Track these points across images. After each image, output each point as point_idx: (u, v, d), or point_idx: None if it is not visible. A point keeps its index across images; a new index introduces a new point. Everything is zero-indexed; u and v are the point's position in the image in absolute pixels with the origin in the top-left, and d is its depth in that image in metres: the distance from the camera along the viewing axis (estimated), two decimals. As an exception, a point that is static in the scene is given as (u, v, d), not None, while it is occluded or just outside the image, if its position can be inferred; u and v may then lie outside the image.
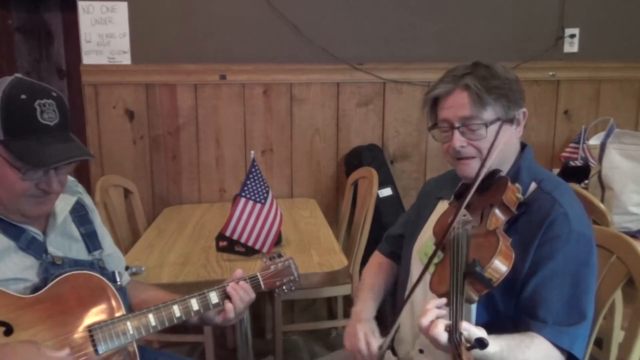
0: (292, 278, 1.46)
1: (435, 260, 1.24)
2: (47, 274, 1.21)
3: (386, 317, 1.50)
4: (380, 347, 1.30)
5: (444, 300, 1.04)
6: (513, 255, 1.09)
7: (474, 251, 1.11)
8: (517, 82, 1.27)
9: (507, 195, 1.16)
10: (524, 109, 1.28)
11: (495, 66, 1.26)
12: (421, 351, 1.31)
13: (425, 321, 1.01)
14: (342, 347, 1.59)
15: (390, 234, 1.63)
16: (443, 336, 0.97)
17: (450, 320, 0.99)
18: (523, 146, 1.33)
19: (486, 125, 1.21)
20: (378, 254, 1.64)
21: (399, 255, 1.56)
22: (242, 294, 1.35)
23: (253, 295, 1.38)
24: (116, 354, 1.22)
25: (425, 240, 1.37)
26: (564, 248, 1.13)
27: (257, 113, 3.00)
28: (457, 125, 1.24)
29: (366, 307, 1.46)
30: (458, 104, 1.23)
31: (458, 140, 1.24)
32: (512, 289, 1.15)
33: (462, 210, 1.23)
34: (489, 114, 1.22)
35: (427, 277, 1.19)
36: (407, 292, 1.28)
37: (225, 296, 1.35)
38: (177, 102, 2.94)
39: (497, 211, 1.17)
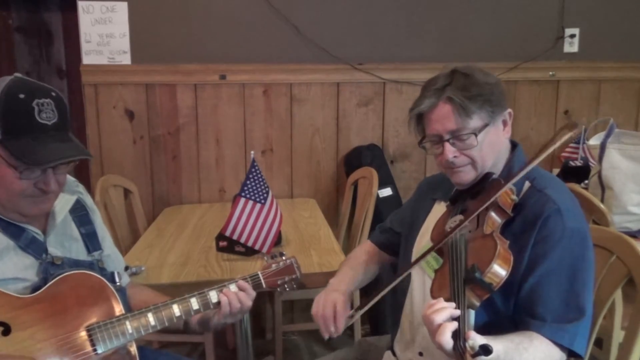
0: (293, 277, 1.46)
1: (435, 266, 1.24)
2: (46, 274, 1.21)
3: (386, 317, 1.50)
4: (351, 317, 1.30)
5: (453, 304, 1.02)
6: (512, 257, 1.09)
7: (473, 256, 1.11)
8: (498, 84, 1.26)
9: (502, 197, 1.16)
10: (509, 110, 1.29)
11: (474, 72, 1.25)
12: (421, 354, 1.31)
13: (438, 318, 0.98)
14: (342, 347, 1.60)
15: (384, 226, 1.63)
16: (450, 343, 0.96)
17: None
18: (514, 145, 1.33)
19: (475, 134, 1.21)
20: (369, 242, 1.64)
21: (389, 247, 1.58)
22: (242, 298, 1.35)
23: (253, 294, 1.37)
24: (115, 353, 1.22)
25: (423, 245, 1.37)
26: (559, 245, 1.13)
27: (257, 113, 3.00)
28: (446, 137, 1.24)
29: (344, 281, 1.47)
30: (443, 117, 1.23)
31: (450, 152, 1.23)
32: (510, 288, 1.14)
33: (458, 217, 1.23)
34: (475, 122, 1.22)
35: (428, 283, 1.19)
36: (393, 283, 1.26)
37: None
38: (177, 102, 2.94)
39: (493, 214, 1.16)
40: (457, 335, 0.96)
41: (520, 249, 1.14)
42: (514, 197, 1.18)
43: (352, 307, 1.37)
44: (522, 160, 1.29)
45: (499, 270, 1.06)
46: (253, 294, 1.37)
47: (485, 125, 1.22)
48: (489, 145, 1.24)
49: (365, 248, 1.63)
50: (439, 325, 0.98)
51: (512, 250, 1.10)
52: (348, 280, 1.47)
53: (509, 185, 1.16)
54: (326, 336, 1.33)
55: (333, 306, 1.33)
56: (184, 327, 1.38)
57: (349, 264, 1.56)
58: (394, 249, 1.56)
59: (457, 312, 1.00)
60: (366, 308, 1.27)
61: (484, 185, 1.24)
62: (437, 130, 1.25)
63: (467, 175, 1.26)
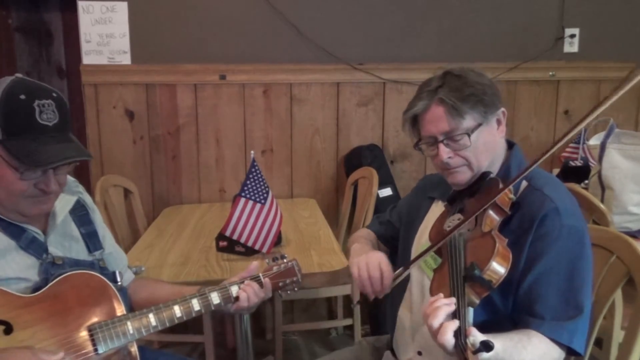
0: (295, 279, 1.46)
1: (434, 265, 1.24)
2: (47, 274, 1.21)
3: (386, 317, 1.50)
4: (395, 279, 1.28)
5: (452, 299, 1.03)
6: (510, 255, 1.09)
7: (471, 254, 1.11)
8: (491, 85, 1.27)
9: (500, 196, 1.16)
10: (503, 109, 1.29)
11: (467, 73, 1.26)
12: (420, 353, 1.31)
13: (436, 322, 0.99)
14: (342, 347, 1.60)
15: (383, 218, 1.63)
16: (451, 342, 0.96)
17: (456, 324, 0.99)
18: (511, 145, 1.33)
19: (468, 134, 1.22)
20: (367, 230, 1.64)
21: (388, 240, 1.58)
22: (257, 290, 1.37)
23: (269, 294, 1.40)
24: (116, 354, 1.22)
25: (422, 244, 1.37)
26: (557, 243, 1.13)
27: (257, 113, 3.00)
28: (440, 138, 1.25)
29: (368, 246, 1.47)
30: (436, 118, 1.24)
31: (444, 153, 1.24)
32: (509, 287, 1.15)
33: (456, 216, 1.24)
34: (468, 122, 1.22)
35: (427, 283, 1.19)
36: (417, 259, 1.27)
37: (227, 297, 1.35)
38: (177, 102, 2.94)
39: (491, 213, 1.17)
40: (458, 333, 0.97)
41: (518, 248, 1.14)
42: (512, 196, 1.19)
43: None
44: (519, 159, 1.30)
45: (498, 268, 1.06)
46: (269, 294, 1.40)
47: (479, 125, 1.23)
48: (483, 145, 1.24)
49: (366, 231, 1.63)
50: (439, 326, 0.98)
51: (511, 249, 1.11)
52: (370, 246, 1.49)
53: (525, 173, 1.15)
54: (372, 297, 1.30)
55: (379, 266, 1.30)
56: None
57: (362, 237, 1.57)
58: (392, 242, 1.57)
59: (452, 309, 1.00)
60: (408, 271, 1.25)
61: (482, 184, 1.24)
62: (431, 132, 1.26)
63: (463, 176, 1.27)
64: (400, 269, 1.30)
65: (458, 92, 1.22)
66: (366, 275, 1.30)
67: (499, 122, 1.28)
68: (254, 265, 1.43)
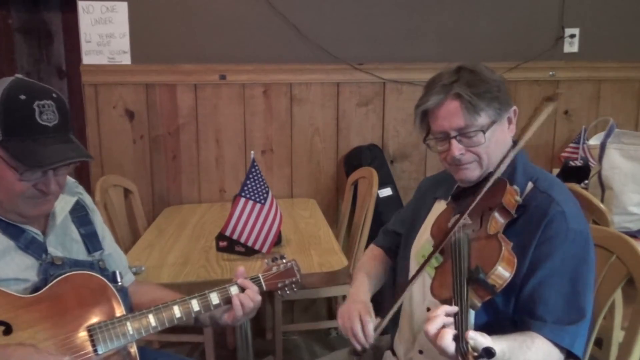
0: (294, 280, 1.46)
1: (435, 263, 1.23)
2: (46, 275, 1.21)
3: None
4: (376, 329, 1.29)
5: (453, 308, 1.02)
6: (515, 260, 1.09)
7: (476, 256, 1.11)
8: (503, 82, 1.26)
9: (507, 198, 1.16)
10: (514, 107, 1.28)
11: (481, 69, 1.24)
12: (421, 352, 1.31)
13: (432, 328, 0.99)
14: (342, 347, 1.60)
15: (387, 228, 1.62)
16: (451, 347, 0.96)
17: (456, 328, 0.98)
18: (515, 144, 1.33)
19: (483, 131, 1.21)
20: (374, 246, 1.64)
21: (393, 250, 1.57)
22: (248, 302, 1.35)
23: (259, 298, 1.38)
24: (116, 354, 1.22)
25: (422, 242, 1.36)
26: (562, 247, 1.13)
27: (257, 113, 3.00)
28: (453, 134, 1.23)
29: (363, 288, 1.46)
30: (451, 114, 1.22)
31: (457, 149, 1.23)
32: (512, 288, 1.14)
33: (462, 218, 1.23)
34: (483, 119, 1.21)
35: (428, 281, 1.19)
36: (405, 291, 1.27)
37: (227, 297, 1.35)
38: (177, 102, 2.94)
39: (497, 215, 1.16)
40: (459, 337, 0.96)
41: (522, 250, 1.14)
42: (518, 198, 1.18)
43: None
44: (524, 159, 1.29)
45: (503, 272, 1.06)
46: (256, 288, 1.37)
47: (493, 123, 1.22)
48: (495, 142, 1.23)
49: (372, 253, 1.62)
50: (436, 333, 0.98)
51: (515, 251, 1.10)
52: (365, 288, 1.47)
53: (500, 169, 1.18)
54: (359, 348, 1.30)
55: (359, 317, 1.31)
56: (194, 320, 1.38)
57: (362, 270, 1.55)
58: (397, 251, 1.56)
59: (450, 320, 1.00)
60: (390, 315, 1.25)
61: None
62: (444, 127, 1.23)
63: (472, 173, 1.26)
64: (378, 321, 1.30)
65: (474, 87, 1.20)
66: (349, 328, 1.31)
67: (509, 120, 1.27)
68: (241, 271, 1.41)
